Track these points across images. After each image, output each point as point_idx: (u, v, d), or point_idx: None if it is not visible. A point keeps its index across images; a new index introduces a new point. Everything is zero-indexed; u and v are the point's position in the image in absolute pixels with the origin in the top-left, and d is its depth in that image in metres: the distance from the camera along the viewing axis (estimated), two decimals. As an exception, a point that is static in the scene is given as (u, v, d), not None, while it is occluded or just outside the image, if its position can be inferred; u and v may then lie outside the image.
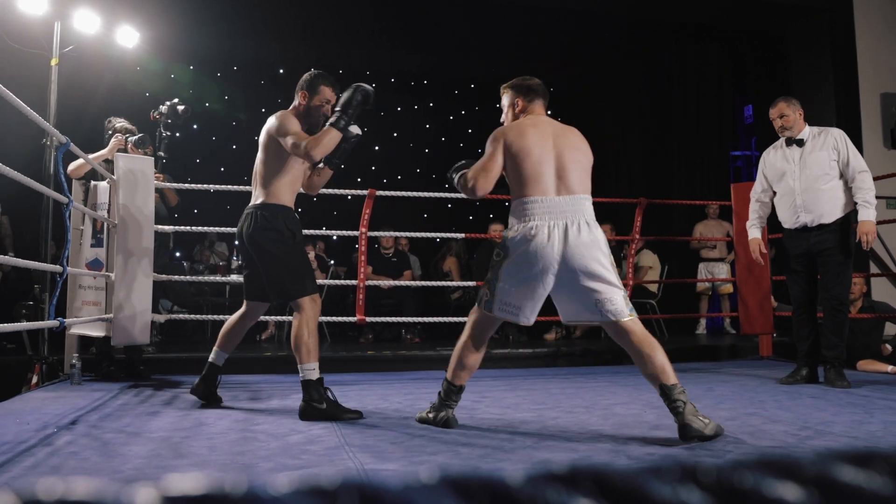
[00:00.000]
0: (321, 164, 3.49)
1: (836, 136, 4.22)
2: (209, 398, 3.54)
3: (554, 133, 2.91)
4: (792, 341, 6.17)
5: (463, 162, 3.10)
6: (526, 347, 5.98)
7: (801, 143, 4.27)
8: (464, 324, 7.91)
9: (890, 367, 4.75)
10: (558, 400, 3.78)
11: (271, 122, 3.26)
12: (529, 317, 2.90)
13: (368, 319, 5.48)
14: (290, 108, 3.34)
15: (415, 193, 5.79)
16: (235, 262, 7.32)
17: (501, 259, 2.86)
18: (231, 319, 3.59)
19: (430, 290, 7.43)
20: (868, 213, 4.08)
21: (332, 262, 7.85)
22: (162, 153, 4.69)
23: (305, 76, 3.35)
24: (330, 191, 5.15)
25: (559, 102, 11.06)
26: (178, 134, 8.75)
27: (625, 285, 6.00)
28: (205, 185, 5.34)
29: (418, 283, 6.79)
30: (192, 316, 5.61)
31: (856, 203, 4.15)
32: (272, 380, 4.66)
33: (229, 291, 7.20)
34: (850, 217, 4.22)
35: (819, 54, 7.57)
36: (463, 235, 6.34)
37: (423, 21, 8.57)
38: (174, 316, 5.62)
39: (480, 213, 10.02)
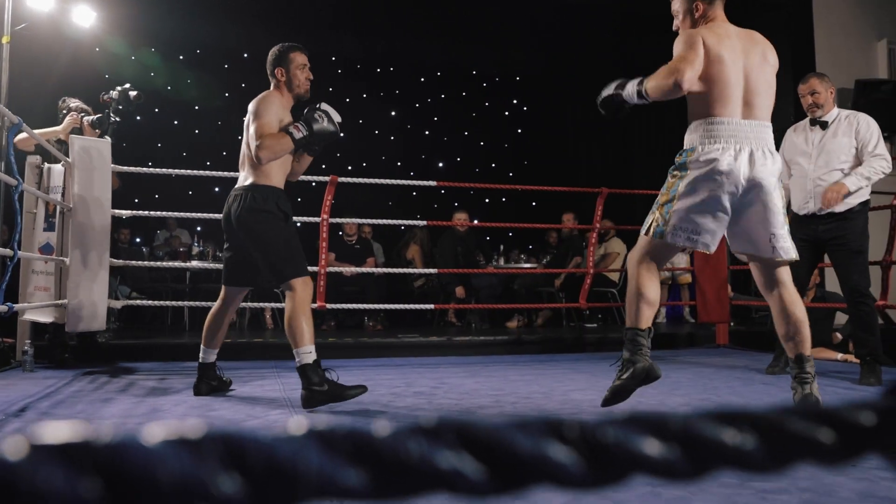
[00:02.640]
0: (300, 150, 3.35)
1: (862, 120, 3.93)
2: (216, 390, 3.50)
3: (744, 49, 2.69)
4: (749, 330, 6.31)
5: (620, 80, 2.84)
6: (487, 335, 6.01)
7: (825, 125, 3.98)
8: (427, 311, 7.83)
9: (840, 355, 4.87)
10: (517, 386, 3.81)
11: (251, 105, 3.18)
12: (709, 243, 2.65)
13: (330, 306, 5.46)
14: (272, 88, 3.26)
15: (378, 180, 5.77)
16: (196, 249, 7.23)
17: (679, 179, 2.67)
18: (210, 314, 3.46)
19: (393, 277, 7.43)
20: (852, 181, 3.82)
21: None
22: (109, 137, 4.59)
23: (271, 55, 3.28)
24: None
25: (527, 89, 11.10)
26: (139, 118, 8.62)
27: (586, 274, 6.09)
28: (167, 170, 5.26)
29: (381, 270, 6.78)
30: (151, 302, 5.53)
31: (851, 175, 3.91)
32: (231, 366, 4.61)
33: (190, 277, 7.11)
34: (864, 206, 3.97)
35: (778, 49, 7.67)
36: (426, 223, 6.34)
37: (389, 7, 8.52)
38: (132, 302, 5.55)
39: (444, 201, 10.02)
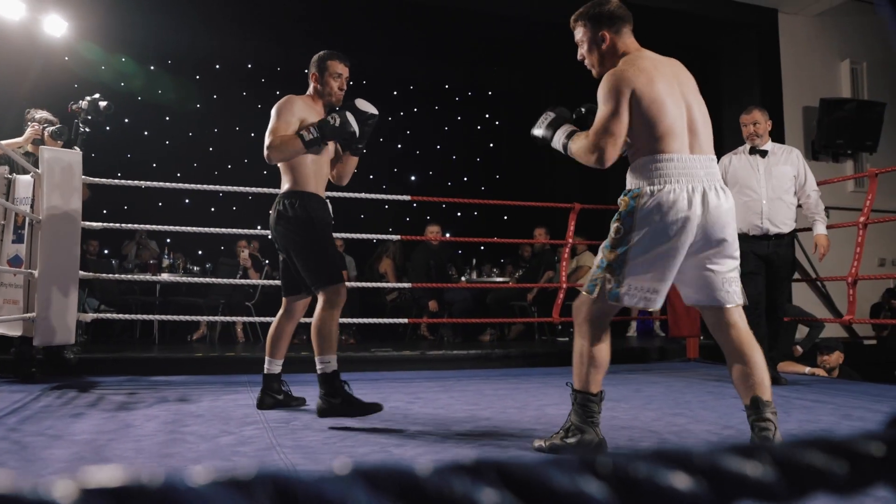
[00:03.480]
0: (344, 151, 3.42)
1: (797, 154, 4.48)
2: (284, 404, 3.50)
3: (677, 76, 2.44)
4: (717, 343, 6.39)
5: (552, 115, 2.65)
6: (460, 349, 6.02)
7: (763, 153, 4.44)
8: (400, 325, 7.80)
9: (807, 369, 4.95)
10: (491, 401, 3.81)
11: (273, 108, 3.19)
12: (661, 301, 2.39)
13: (302, 320, 5.42)
14: (307, 92, 3.33)
15: (350, 194, 5.75)
16: (166, 261, 7.15)
17: (627, 233, 2.36)
18: (273, 324, 3.51)
19: (366, 291, 7.41)
20: (824, 228, 4.48)
21: (267, 261, 7.75)
22: (78, 147, 4.53)
23: (314, 58, 3.34)
24: (266, 190, 5.10)
25: (499, 103, 11.18)
26: (108, 128, 8.51)
27: (559, 289, 6.14)
28: (137, 182, 5.20)
29: (354, 283, 6.75)
30: (120, 315, 5.45)
31: (806, 217, 4.57)
32: (203, 380, 4.57)
33: (160, 290, 7.02)
34: (795, 230, 4.53)
35: (746, 68, 7.84)
36: (399, 237, 6.34)
37: (360, 21, 8.54)
38: (101, 315, 5.46)
39: (417, 214, 10.04)
